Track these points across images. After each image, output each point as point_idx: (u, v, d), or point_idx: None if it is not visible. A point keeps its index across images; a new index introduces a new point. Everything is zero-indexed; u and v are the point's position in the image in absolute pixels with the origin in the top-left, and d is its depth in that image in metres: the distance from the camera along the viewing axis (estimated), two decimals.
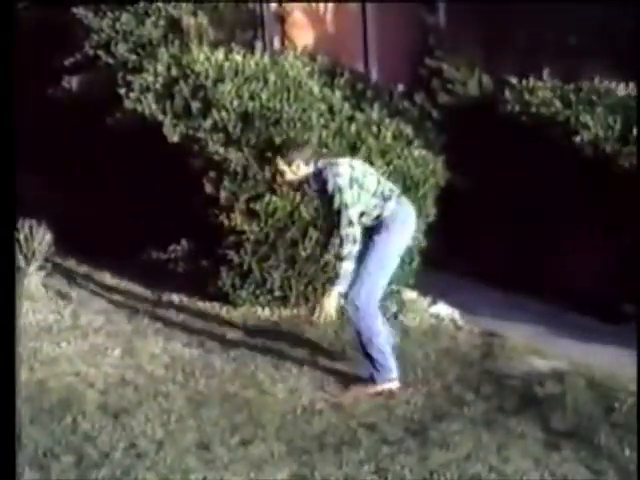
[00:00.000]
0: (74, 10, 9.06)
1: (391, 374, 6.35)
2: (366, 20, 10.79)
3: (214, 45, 8.40)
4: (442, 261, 8.23)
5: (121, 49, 8.73)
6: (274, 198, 7.24)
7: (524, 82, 9.23)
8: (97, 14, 8.97)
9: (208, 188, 7.31)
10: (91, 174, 8.38)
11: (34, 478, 5.06)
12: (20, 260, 7.63)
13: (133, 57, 8.62)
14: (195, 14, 8.88)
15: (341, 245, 6.16)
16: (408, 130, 8.03)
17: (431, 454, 5.49)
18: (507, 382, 6.51)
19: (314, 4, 10.75)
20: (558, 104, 8.78)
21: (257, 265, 7.35)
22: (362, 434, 5.71)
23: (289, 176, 6.44)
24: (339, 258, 6.20)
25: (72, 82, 8.93)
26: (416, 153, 7.87)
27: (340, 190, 6.13)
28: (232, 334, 7.10)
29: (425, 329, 7.43)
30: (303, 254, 7.33)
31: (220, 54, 7.93)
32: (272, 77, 7.73)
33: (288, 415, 5.93)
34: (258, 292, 7.45)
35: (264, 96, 7.52)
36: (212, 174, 7.34)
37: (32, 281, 7.66)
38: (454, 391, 6.40)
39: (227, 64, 7.80)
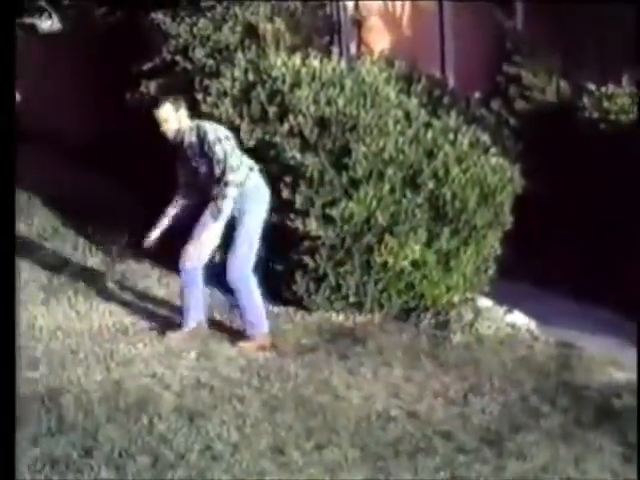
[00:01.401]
0: (152, 15, 9.16)
1: (263, 327, 6.89)
2: (443, 25, 10.76)
3: (291, 50, 8.43)
4: (517, 270, 8.15)
5: (198, 54, 8.80)
6: (350, 204, 7.23)
7: (603, 89, 9.12)
8: (175, 19, 9.05)
9: (284, 193, 7.33)
10: (169, 177, 8.43)
11: (110, 478, 5.08)
12: (96, 262, 7.73)
13: (210, 62, 8.69)
14: (272, 19, 8.93)
15: (226, 187, 6.60)
16: (485, 137, 7.99)
17: (507, 464, 5.43)
18: (584, 394, 6.42)
19: (391, 9, 10.75)
20: (637, 111, 8.67)
21: (332, 270, 7.35)
22: (437, 442, 5.65)
23: (171, 125, 6.85)
24: (222, 197, 6.61)
25: (150, 86, 9.03)
26: (493, 161, 7.82)
27: (220, 140, 6.66)
28: (306, 339, 7.10)
29: (501, 338, 7.35)
30: (379, 260, 7.32)
31: (297, 59, 7.95)
32: (349, 83, 7.73)
33: (362, 421, 5.89)
34: (333, 298, 7.44)
35: (341, 102, 7.52)
36: (288, 179, 7.36)
37: (108, 283, 7.74)
38: (530, 402, 6.32)
39: (304, 69, 7.81)
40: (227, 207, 6.66)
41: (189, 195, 7.03)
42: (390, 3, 10.77)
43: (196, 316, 6.96)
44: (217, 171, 6.68)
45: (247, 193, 6.77)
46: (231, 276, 6.79)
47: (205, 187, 6.84)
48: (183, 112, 6.92)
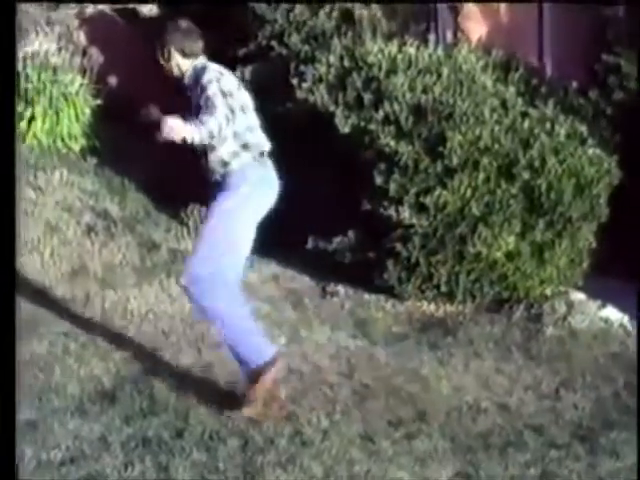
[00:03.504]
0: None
1: (264, 357, 5.40)
2: (542, 13, 10.57)
3: (387, 37, 8.39)
4: (612, 264, 8.00)
5: (294, 40, 8.80)
6: (444, 192, 7.18)
7: None
8: (271, 5, 9.07)
9: (378, 180, 7.31)
10: None
11: (201, 459, 5.10)
12: (189, 246, 7.76)
13: (306, 48, 8.68)
14: (368, 6, 8.89)
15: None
16: (582, 128, 7.86)
17: (600, 462, 5.34)
18: None
19: None
20: None
21: (424, 259, 7.31)
22: (528, 436, 5.60)
23: (183, 67, 5.46)
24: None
25: (245, 72, 9.05)
26: (590, 152, 7.70)
27: (214, 80, 5.18)
28: (397, 328, 7.08)
29: (594, 332, 7.25)
30: (472, 250, 7.25)
31: (393, 46, 7.91)
32: (445, 70, 7.67)
33: (453, 412, 5.86)
34: (424, 287, 7.40)
35: (437, 89, 7.47)
36: (382, 166, 7.33)
37: None
38: (623, 398, 6.22)
39: (400, 56, 7.77)
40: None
41: None
42: None
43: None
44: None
45: (230, 175, 5.34)
46: (186, 279, 5.31)
47: None
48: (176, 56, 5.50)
